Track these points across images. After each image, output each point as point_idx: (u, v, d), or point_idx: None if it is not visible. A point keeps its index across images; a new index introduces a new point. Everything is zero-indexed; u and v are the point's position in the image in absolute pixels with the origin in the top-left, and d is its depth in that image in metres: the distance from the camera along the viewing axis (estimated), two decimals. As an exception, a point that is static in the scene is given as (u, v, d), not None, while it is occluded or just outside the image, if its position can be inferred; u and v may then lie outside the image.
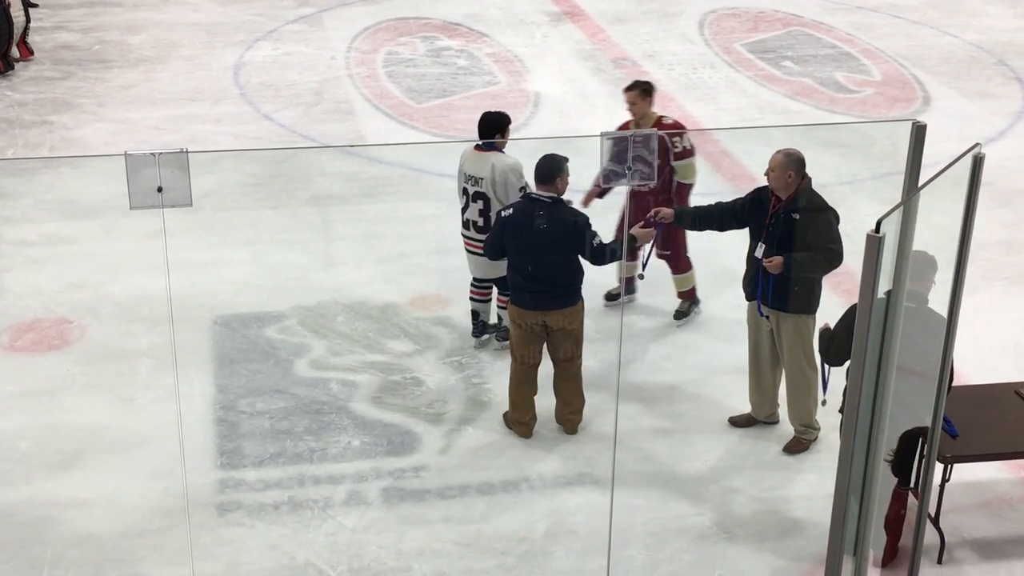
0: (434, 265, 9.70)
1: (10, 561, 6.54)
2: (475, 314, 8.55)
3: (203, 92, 13.44)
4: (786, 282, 7.15)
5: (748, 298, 7.47)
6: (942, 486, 6.62)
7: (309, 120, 12.74)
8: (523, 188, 7.85)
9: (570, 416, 7.67)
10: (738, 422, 7.77)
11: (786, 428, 7.62)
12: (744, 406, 7.76)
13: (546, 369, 7.65)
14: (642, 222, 7.52)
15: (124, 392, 8.05)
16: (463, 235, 8.28)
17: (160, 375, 8.13)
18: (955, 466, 6.65)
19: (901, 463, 6.22)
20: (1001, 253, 9.99)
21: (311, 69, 14.23)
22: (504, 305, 8.24)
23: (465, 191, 8.13)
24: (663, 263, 8.71)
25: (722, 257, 8.90)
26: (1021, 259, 9.98)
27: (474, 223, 8.12)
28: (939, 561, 6.61)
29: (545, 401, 7.69)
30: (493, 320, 8.62)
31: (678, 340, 8.74)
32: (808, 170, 7.15)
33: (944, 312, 5.69)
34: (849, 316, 6.50)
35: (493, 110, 8.32)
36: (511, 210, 7.46)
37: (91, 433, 7.62)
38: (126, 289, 9.19)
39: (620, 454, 7.12)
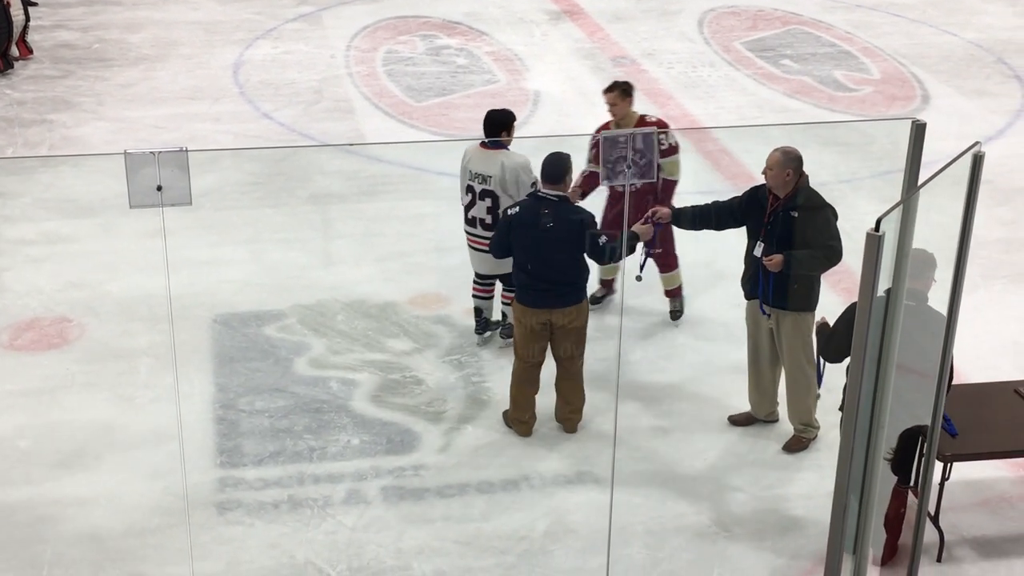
0: (433, 264, 9.70)
1: (10, 560, 6.54)
2: (478, 311, 8.55)
3: (203, 91, 13.43)
4: (786, 280, 7.15)
5: (747, 297, 7.47)
6: (942, 484, 6.62)
7: (308, 119, 12.73)
8: (533, 184, 7.87)
9: (570, 415, 7.67)
10: (737, 421, 7.77)
11: (785, 427, 7.62)
12: (743, 405, 7.77)
13: (546, 368, 7.65)
14: (641, 220, 7.54)
15: (124, 391, 8.05)
16: (467, 232, 8.28)
17: (160, 374, 8.13)
18: (955, 464, 6.65)
19: (901, 461, 6.22)
20: (1001, 251, 10.00)
21: (310, 68, 14.23)
22: (508, 302, 8.25)
23: (471, 188, 8.13)
24: (650, 261, 8.73)
25: (720, 256, 8.90)
26: (1020, 257, 9.99)
27: (481, 220, 8.12)
28: (939, 559, 6.61)
29: (544, 400, 7.70)
30: (496, 317, 8.63)
31: (677, 339, 8.74)
32: (807, 169, 7.16)
33: (944, 310, 5.69)
34: (849, 313, 6.50)
35: (497, 108, 8.32)
36: (517, 209, 7.46)
37: (91, 432, 7.62)
38: (126, 288, 9.19)
39: (619, 453, 7.13)
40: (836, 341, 6.58)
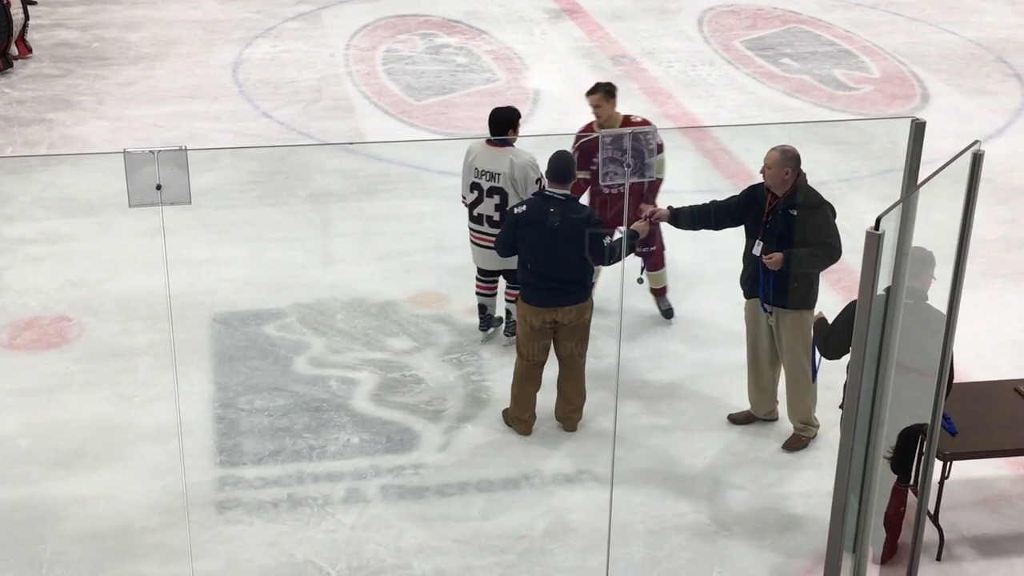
0: (433, 262, 9.70)
1: (9, 559, 6.54)
2: (482, 308, 8.56)
3: (202, 89, 13.43)
4: (785, 278, 7.15)
5: (746, 296, 7.47)
6: (941, 483, 6.63)
7: (308, 117, 12.73)
8: (539, 181, 7.87)
9: (570, 414, 7.67)
10: (737, 419, 7.77)
11: (785, 425, 7.62)
12: (743, 403, 7.76)
13: (546, 366, 7.65)
14: (639, 219, 7.55)
15: (123, 390, 8.04)
16: (472, 229, 8.28)
17: (159, 373, 8.13)
18: (954, 463, 6.65)
19: (901, 460, 6.23)
20: (1000, 250, 10.00)
21: (310, 66, 14.22)
22: (512, 299, 8.25)
23: (477, 186, 8.14)
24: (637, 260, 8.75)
25: (719, 255, 8.90)
26: (1020, 256, 9.99)
27: (488, 218, 8.13)
28: (938, 558, 6.61)
29: (544, 398, 7.69)
30: (499, 313, 8.63)
31: (677, 338, 8.74)
32: (807, 167, 7.16)
33: (943, 309, 5.69)
34: (849, 310, 6.51)
35: (502, 106, 8.33)
36: (524, 207, 7.46)
37: (90, 431, 7.62)
38: (125, 287, 9.19)
39: (619, 451, 7.13)
40: (835, 339, 6.58)
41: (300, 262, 9.72)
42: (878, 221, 4.54)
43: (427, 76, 13.98)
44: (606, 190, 8.32)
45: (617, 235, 7.56)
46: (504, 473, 7.32)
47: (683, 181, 10.17)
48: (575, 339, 7.50)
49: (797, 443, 7.53)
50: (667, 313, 8.93)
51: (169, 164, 5.00)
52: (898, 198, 5.07)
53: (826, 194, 7.25)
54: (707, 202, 7.54)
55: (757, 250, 7.23)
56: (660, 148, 8.56)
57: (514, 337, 7.96)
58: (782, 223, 7.12)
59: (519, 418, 7.64)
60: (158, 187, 5.01)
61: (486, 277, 8.48)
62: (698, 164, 11.35)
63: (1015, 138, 12.39)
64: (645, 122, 8.68)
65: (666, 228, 8.25)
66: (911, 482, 6.29)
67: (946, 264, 5.61)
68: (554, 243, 7.28)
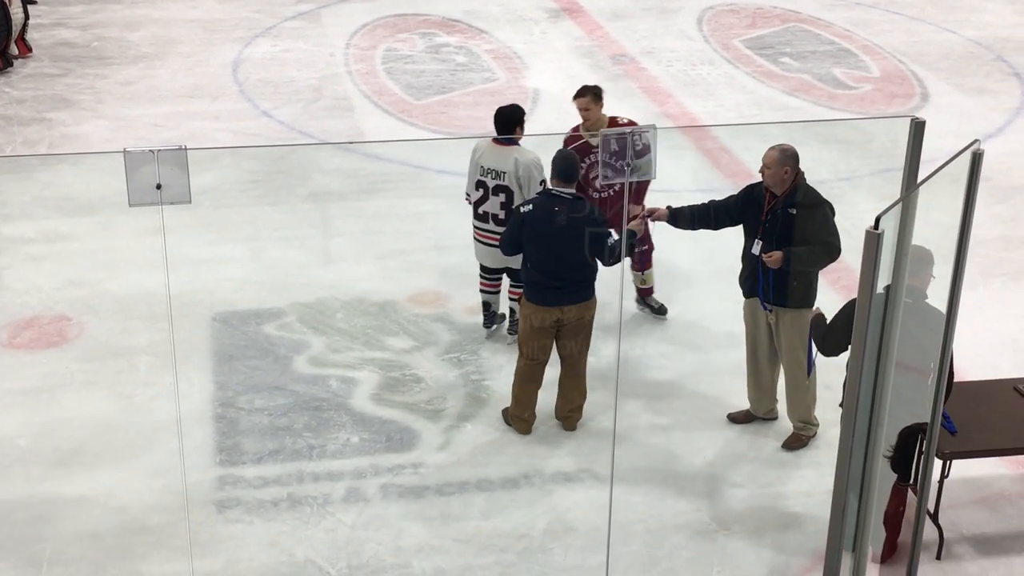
0: (433, 262, 9.70)
1: (9, 558, 6.54)
2: (487, 305, 8.58)
3: (202, 89, 13.43)
4: (785, 277, 7.15)
5: (745, 295, 7.47)
6: (941, 482, 6.63)
7: (308, 117, 12.73)
8: (543, 182, 7.88)
9: (570, 413, 7.67)
10: (736, 418, 7.77)
11: (785, 424, 7.62)
12: (742, 402, 7.77)
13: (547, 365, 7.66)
14: (638, 219, 7.56)
15: (123, 389, 8.05)
16: (477, 227, 8.30)
17: (159, 372, 8.13)
18: (954, 462, 6.66)
19: (900, 459, 6.22)
20: (1000, 249, 10.00)
21: (310, 66, 14.22)
22: (516, 297, 8.25)
23: (483, 184, 8.14)
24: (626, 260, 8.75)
25: (718, 255, 8.90)
26: (1020, 255, 9.99)
27: (494, 216, 8.15)
28: (938, 557, 6.61)
29: (544, 397, 7.70)
30: (503, 311, 8.64)
31: (676, 337, 8.74)
32: (806, 166, 7.16)
33: (942, 308, 5.69)
34: (848, 308, 6.51)
35: (506, 104, 8.33)
36: (530, 206, 7.45)
37: (90, 430, 7.62)
38: (125, 286, 9.19)
39: (619, 450, 7.13)
40: (834, 336, 6.58)
41: (300, 261, 9.73)
42: (878, 220, 4.54)
43: (427, 75, 13.99)
44: (596, 195, 8.28)
45: (615, 236, 7.57)
46: (504, 472, 7.32)
47: (683, 180, 10.18)
48: (578, 338, 7.50)
49: (796, 442, 7.53)
50: (660, 311, 8.92)
51: (169, 163, 5.00)
52: (898, 197, 5.08)
53: (826, 193, 7.25)
54: (706, 202, 7.55)
55: (756, 249, 7.23)
56: (647, 149, 8.53)
57: (516, 336, 7.96)
58: (781, 222, 7.12)
59: (519, 417, 7.64)
60: (158, 186, 5.01)
61: (490, 275, 8.49)
62: (698, 163, 11.35)
63: (1015, 137, 12.39)
64: (632, 123, 8.67)
65: (664, 228, 8.24)
66: (911, 481, 6.28)
67: (945, 263, 5.61)
68: (560, 242, 7.28)
